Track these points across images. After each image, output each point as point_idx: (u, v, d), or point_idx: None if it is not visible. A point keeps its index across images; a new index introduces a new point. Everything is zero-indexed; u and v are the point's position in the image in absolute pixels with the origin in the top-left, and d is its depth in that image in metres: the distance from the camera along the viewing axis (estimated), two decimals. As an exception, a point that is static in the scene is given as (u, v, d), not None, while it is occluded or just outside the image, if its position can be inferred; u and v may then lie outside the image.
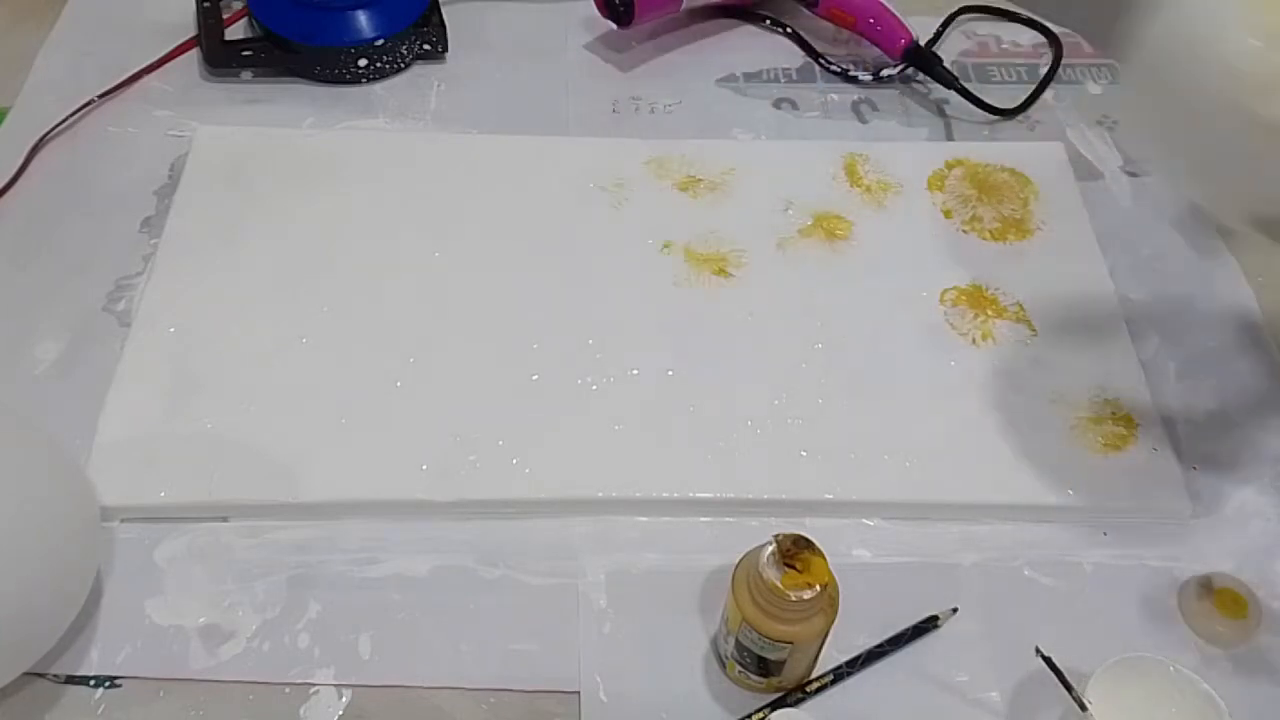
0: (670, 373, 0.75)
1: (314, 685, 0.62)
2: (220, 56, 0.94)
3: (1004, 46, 1.02)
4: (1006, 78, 0.99)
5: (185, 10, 0.98)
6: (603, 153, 0.88)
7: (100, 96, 0.90)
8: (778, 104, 0.96)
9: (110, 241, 0.81)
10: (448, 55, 0.97)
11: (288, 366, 0.74)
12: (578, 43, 1.00)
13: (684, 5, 0.99)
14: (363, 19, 0.93)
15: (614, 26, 0.98)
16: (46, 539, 0.58)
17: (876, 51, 0.99)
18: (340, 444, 0.70)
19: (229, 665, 0.63)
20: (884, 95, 0.97)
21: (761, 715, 0.61)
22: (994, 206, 0.86)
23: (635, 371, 0.75)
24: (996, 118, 0.95)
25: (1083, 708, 0.56)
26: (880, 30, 0.97)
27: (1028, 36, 1.03)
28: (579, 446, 0.71)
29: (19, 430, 0.62)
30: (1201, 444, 0.74)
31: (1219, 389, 0.77)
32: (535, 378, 0.74)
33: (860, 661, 0.64)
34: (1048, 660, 0.58)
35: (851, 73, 0.98)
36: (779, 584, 0.56)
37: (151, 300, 0.77)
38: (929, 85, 0.97)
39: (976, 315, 0.79)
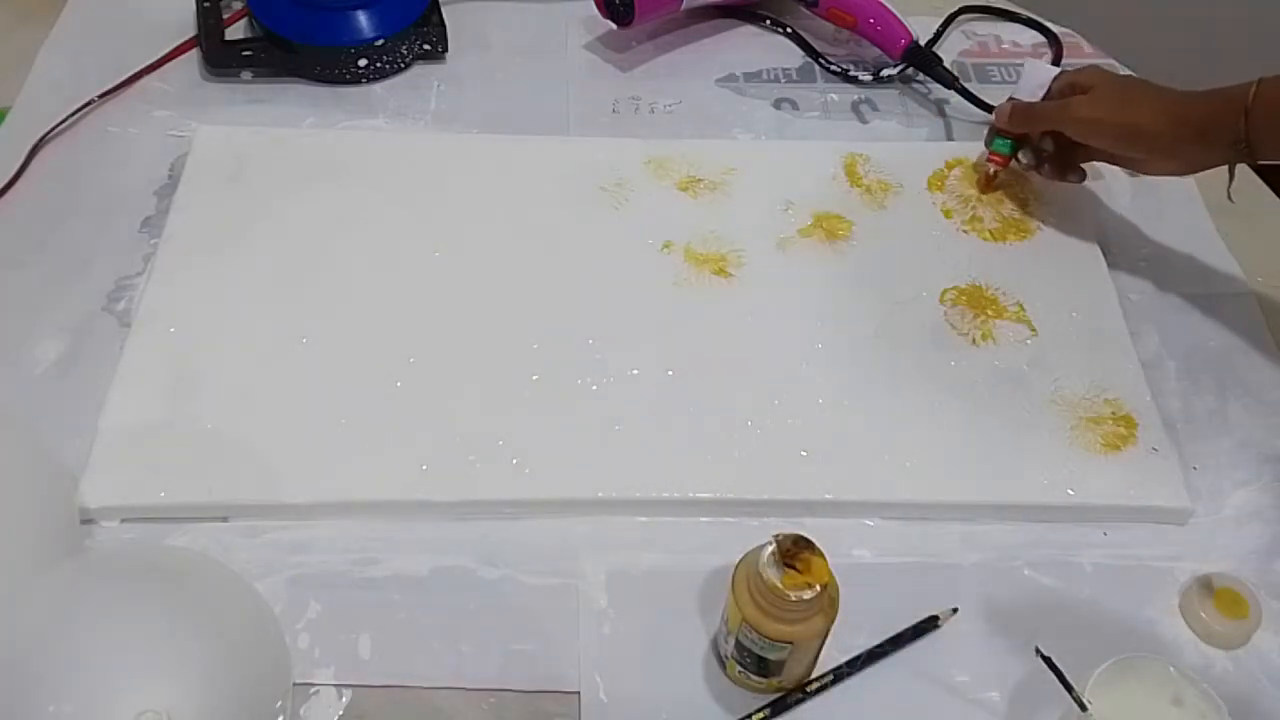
0: (670, 373, 0.75)
1: (314, 685, 0.62)
2: (220, 56, 0.94)
3: (1004, 46, 1.02)
4: (1006, 78, 0.99)
5: (185, 10, 0.98)
6: (603, 153, 0.88)
7: (100, 96, 0.90)
8: (778, 104, 0.96)
9: (110, 241, 0.81)
10: (448, 55, 0.97)
11: (288, 366, 0.74)
12: (578, 43, 1.00)
13: (684, 5, 0.99)
14: (363, 19, 0.93)
15: (614, 26, 0.98)
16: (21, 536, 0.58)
17: (876, 51, 0.99)
18: (340, 444, 0.70)
19: (229, 665, 0.62)
20: (884, 95, 0.97)
21: (762, 715, 0.61)
22: (994, 206, 0.86)
23: (635, 371, 0.75)
24: (996, 118, 0.95)
25: (1083, 708, 0.56)
26: (880, 30, 0.97)
27: (1028, 36, 1.03)
28: (579, 446, 0.71)
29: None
30: (1201, 444, 0.75)
31: (1219, 389, 0.77)
32: (535, 378, 0.74)
33: (860, 661, 0.64)
34: (1048, 660, 0.58)
35: (851, 73, 0.98)
36: (779, 584, 0.56)
37: (151, 300, 0.77)
38: (929, 85, 0.98)
39: (976, 315, 0.79)
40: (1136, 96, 0.77)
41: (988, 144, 0.86)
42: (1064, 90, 0.81)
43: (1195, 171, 0.81)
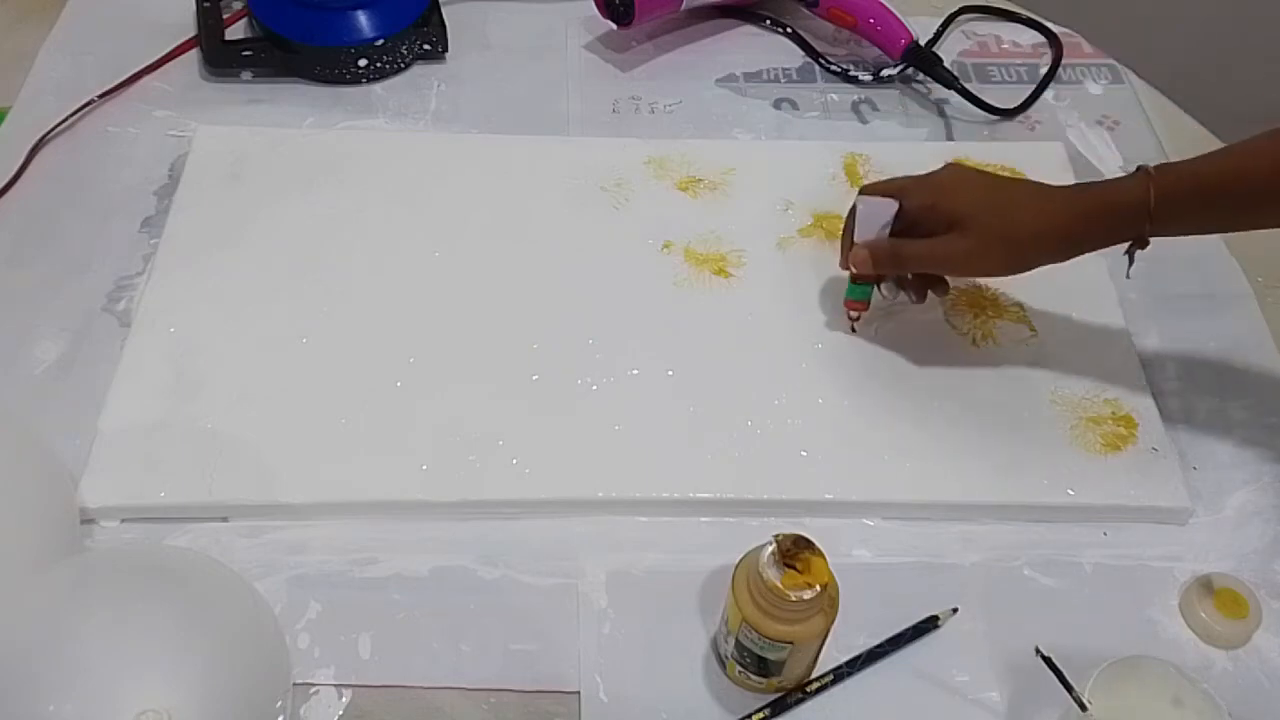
0: (670, 373, 0.75)
1: (314, 685, 0.62)
2: (220, 56, 0.94)
3: (1004, 46, 1.02)
4: (1006, 78, 0.99)
5: (185, 10, 0.98)
6: (603, 153, 0.88)
7: (100, 96, 0.90)
8: (778, 104, 0.96)
9: (110, 241, 0.81)
10: (448, 55, 0.97)
11: (288, 366, 0.74)
12: (578, 43, 1.00)
13: (684, 5, 0.99)
14: (363, 19, 0.93)
15: (614, 26, 0.98)
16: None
17: (876, 51, 0.99)
18: (340, 444, 0.70)
19: (229, 665, 0.62)
20: (884, 95, 0.97)
21: (762, 715, 0.61)
22: (994, 206, 0.86)
23: (635, 371, 0.75)
24: (996, 118, 0.95)
25: (1083, 708, 0.56)
26: (880, 30, 0.97)
27: (1028, 36, 1.03)
28: (579, 446, 0.71)
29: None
30: (1201, 444, 0.75)
31: (1219, 389, 0.77)
32: (535, 378, 0.74)
33: (860, 661, 0.64)
34: (1048, 660, 0.58)
35: (851, 73, 0.98)
36: (779, 584, 0.56)
37: (151, 300, 0.77)
38: (929, 85, 0.98)
39: (976, 315, 0.79)
40: (1017, 220, 0.70)
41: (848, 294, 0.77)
42: (923, 213, 0.72)
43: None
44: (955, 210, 0.71)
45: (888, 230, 0.74)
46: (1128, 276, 0.73)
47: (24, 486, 0.61)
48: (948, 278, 0.76)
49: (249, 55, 0.94)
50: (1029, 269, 0.72)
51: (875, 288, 0.77)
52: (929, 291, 0.76)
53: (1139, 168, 0.69)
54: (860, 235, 0.74)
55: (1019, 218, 0.70)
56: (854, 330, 0.78)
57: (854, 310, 0.77)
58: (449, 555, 0.67)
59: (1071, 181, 0.87)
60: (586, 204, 0.85)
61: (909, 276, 0.75)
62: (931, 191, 0.73)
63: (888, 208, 0.73)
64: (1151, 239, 0.69)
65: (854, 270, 0.75)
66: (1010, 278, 0.81)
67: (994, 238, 0.70)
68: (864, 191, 0.75)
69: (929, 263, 0.73)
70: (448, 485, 0.69)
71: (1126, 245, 0.71)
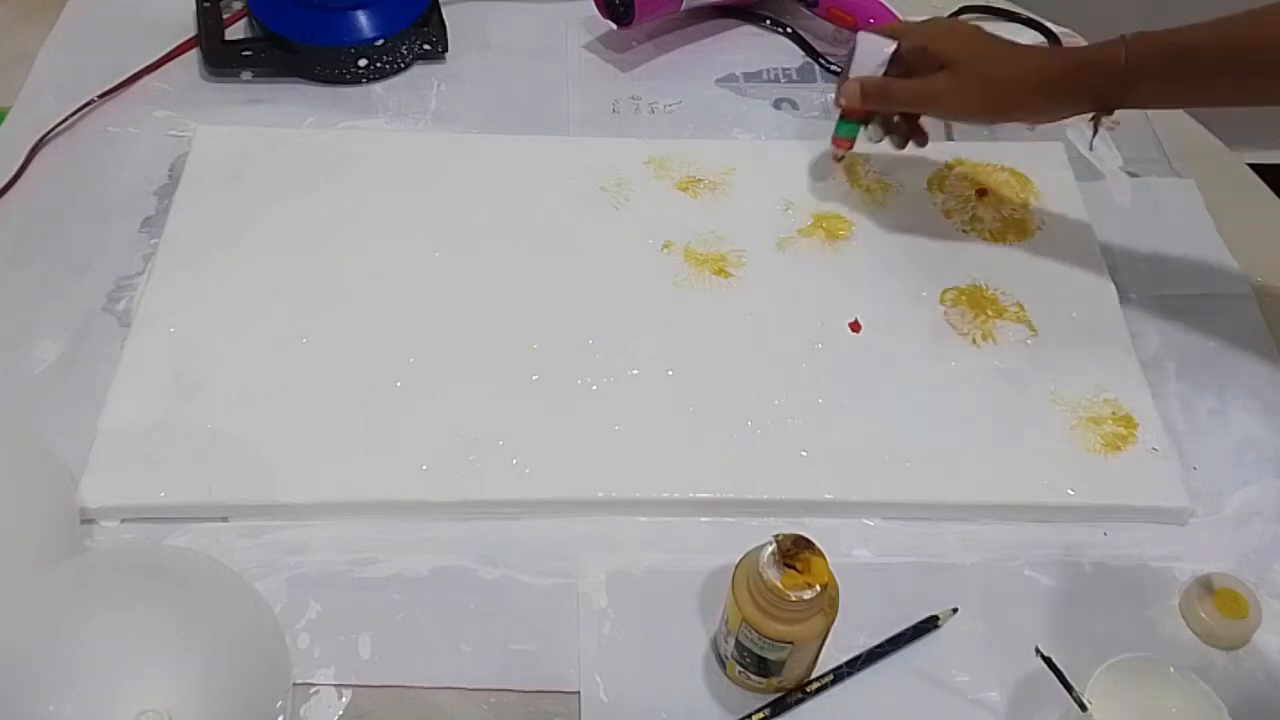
0: (670, 373, 0.75)
1: (314, 685, 0.62)
2: (220, 56, 0.94)
3: (1004, 46, 1.02)
4: (1006, 78, 0.99)
5: (185, 10, 0.98)
6: (603, 153, 0.88)
7: (100, 96, 0.90)
8: (778, 104, 0.96)
9: (110, 241, 0.81)
10: (448, 55, 0.97)
11: (288, 367, 0.74)
12: (578, 43, 1.00)
13: (684, 5, 0.99)
14: (363, 19, 0.93)
15: (614, 26, 0.99)
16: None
17: (876, 51, 0.99)
18: (340, 444, 0.70)
19: (229, 665, 0.62)
20: (884, 95, 0.97)
21: (762, 715, 0.61)
22: (994, 206, 0.87)
23: (635, 371, 0.75)
24: (996, 117, 0.95)
25: (1083, 708, 0.56)
26: (880, 30, 0.97)
27: (1028, 36, 1.03)
28: (579, 446, 0.71)
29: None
30: (1201, 444, 0.75)
31: (1219, 389, 0.78)
32: (535, 378, 0.74)
33: (860, 661, 0.64)
34: (1048, 660, 0.58)
35: (851, 72, 0.98)
36: (779, 584, 0.56)
37: (151, 300, 0.77)
38: (929, 85, 0.97)
39: (976, 315, 0.79)
40: (1000, 66, 0.77)
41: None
42: (916, 58, 0.78)
43: (1049, 123, 0.82)
44: (944, 53, 0.77)
45: (882, 70, 0.79)
46: (1090, 148, 0.79)
47: (24, 486, 0.61)
48: (928, 132, 0.83)
49: (249, 55, 0.94)
50: (1007, 118, 0.79)
51: (863, 126, 0.82)
52: (915, 137, 0.83)
53: (1120, 37, 0.73)
54: (855, 71, 0.79)
55: (1001, 64, 0.77)
56: (840, 159, 0.84)
57: (840, 148, 0.83)
58: (449, 555, 0.67)
59: (1072, 181, 0.88)
60: (586, 204, 0.85)
61: (895, 120, 0.81)
62: (926, 36, 0.79)
63: (885, 46, 0.78)
64: (1119, 110, 0.74)
65: (844, 103, 0.81)
66: (1009, 271, 0.82)
67: (976, 79, 0.76)
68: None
69: (915, 100, 0.79)
70: (448, 485, 0.69)
71: (1092, 120, 0.76)
